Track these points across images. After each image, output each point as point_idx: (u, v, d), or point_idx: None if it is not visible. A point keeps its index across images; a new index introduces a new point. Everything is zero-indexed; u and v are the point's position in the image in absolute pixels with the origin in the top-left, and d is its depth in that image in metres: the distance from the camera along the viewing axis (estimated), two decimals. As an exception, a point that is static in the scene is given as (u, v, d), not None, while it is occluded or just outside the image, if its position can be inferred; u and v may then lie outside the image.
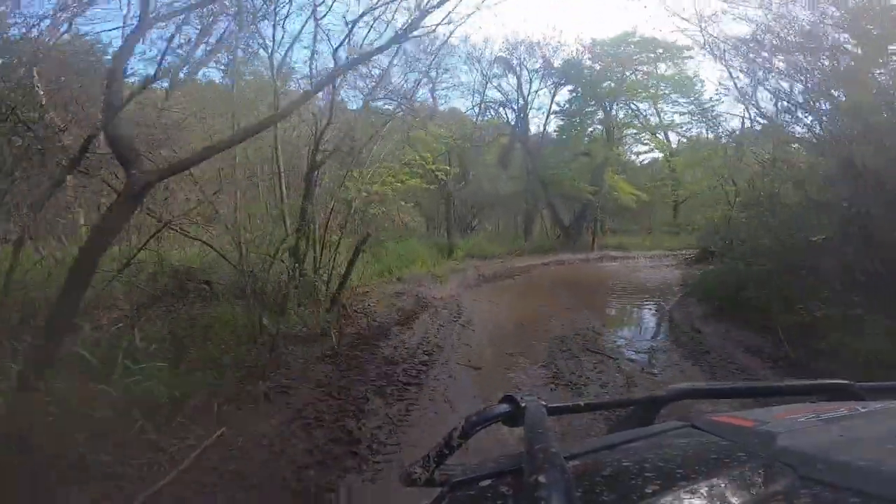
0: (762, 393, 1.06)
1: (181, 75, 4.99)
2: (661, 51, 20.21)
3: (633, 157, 26.29)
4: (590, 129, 22.54)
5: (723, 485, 0.54)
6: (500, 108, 21.37)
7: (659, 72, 21.25)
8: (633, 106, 23.08)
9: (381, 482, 2.88)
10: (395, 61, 7.78)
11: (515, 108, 20.93)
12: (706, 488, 0.53)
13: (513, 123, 21.22)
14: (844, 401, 0.84)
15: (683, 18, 9.11)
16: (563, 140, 21.98)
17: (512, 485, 0.59)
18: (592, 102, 21.85)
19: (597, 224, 19.23)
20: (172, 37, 4.38)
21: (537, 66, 20.17)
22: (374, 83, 7.55)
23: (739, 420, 0.73)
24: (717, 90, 16.15)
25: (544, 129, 21.73)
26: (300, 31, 7.06)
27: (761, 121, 9.77)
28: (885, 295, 4.48)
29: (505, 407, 0.66)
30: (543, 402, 0.67)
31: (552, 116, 22.10)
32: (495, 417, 0.66)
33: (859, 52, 6.34)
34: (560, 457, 0.50)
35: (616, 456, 0.67)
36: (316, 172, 6.99)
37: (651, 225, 24.99)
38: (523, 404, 0.65)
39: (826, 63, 6.56)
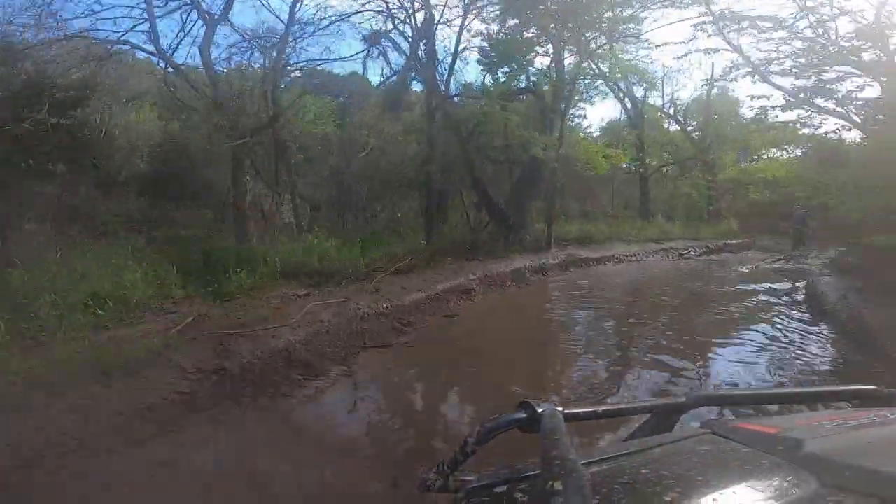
0: (786, 399, 1.10)
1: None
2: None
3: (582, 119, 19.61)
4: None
5: (745, 493, 0.52)
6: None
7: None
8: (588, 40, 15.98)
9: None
10: None
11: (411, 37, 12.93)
12: (728, 496, 0.52)
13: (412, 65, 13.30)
14: (872, 407, 0.83)
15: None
16: (495, 79, 14.35)
17: (527, 491, 0.58)
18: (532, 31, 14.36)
19: (552, 202, 11.77)
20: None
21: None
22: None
23: (762, 427, 0.72)
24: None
25: (451, 67, 13.83)
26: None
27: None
28: None
29: (521, 413, 0.64)
30: (560, 409, 0.65)
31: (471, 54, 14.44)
32: (511, 424, 0.64)
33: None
34: (577, 463, 0.48)
35: (634, 463, 0.65)
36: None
37: (616, 207, 18.38)
38: (540, 410, 0.63)
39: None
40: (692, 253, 13.58)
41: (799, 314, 6.34)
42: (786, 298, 7.59)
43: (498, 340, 5.18)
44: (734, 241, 16.20)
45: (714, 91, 22.06)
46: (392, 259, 7.85)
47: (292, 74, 10.21)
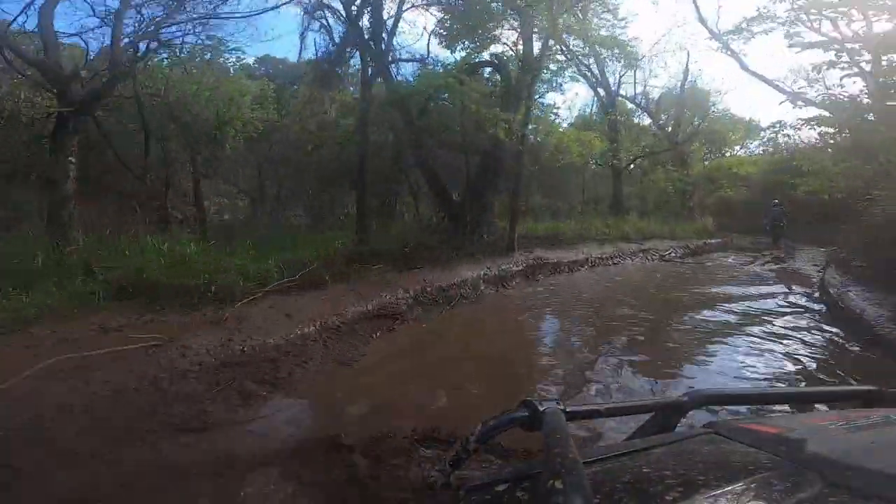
0: (788, 399, 1.06)
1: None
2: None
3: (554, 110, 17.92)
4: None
5: (747, 492, 0.52)
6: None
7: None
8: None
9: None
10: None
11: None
12: (730, 496, 0.51)
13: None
14: (875, 407, 0.83)
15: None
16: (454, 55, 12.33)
17: (529, 490, 0.58)
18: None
19: (517, 195, 9.79)
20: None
21: None
22: None
23: (765, 426, 0.72)
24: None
25: (393, 28, 11.72)
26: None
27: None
28: None
29: (523, 411, 0.64)
30: (562, 407, 0.64)
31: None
32: (513, 422, 0.64)
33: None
34: (578, 462, 0.48)
35: (636, 462, 0.65)
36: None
37: (587, 202, 16.78)
38: (542, 409, 0.63)
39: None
40: (673, 254, 12.04)
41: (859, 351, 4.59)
42: (808, 320, 5.93)
43: (408, 414, 3.04)
44: (713, 241, 14.86)
45: (682, 90, 21.15)
46: (298, 268, 5.66)
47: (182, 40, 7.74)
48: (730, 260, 12.12)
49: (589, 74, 18.23)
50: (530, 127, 10.49)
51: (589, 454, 0.65)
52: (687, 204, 18.46)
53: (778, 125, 24.79)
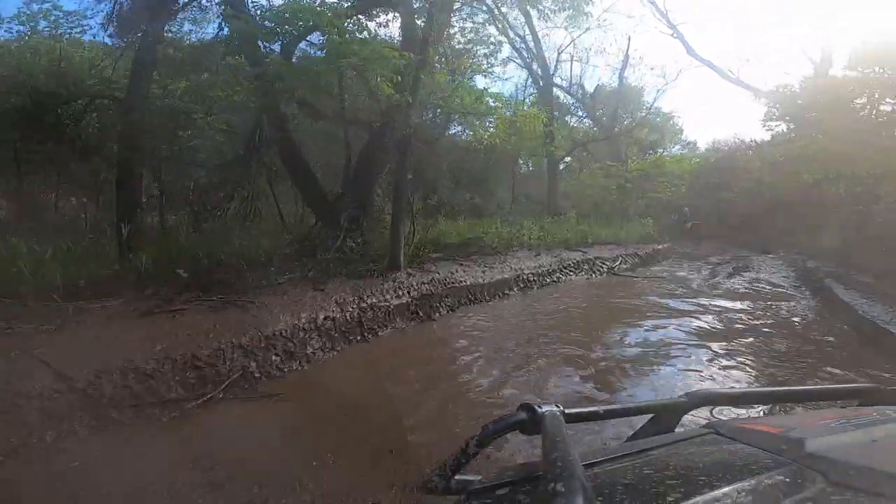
0: (789, 398, 1.04)
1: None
2: None
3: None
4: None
5: (749, 492, 0.52)
6: None
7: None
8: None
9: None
10: None
11: None
12: (731, 496, 0.51)
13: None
14: (875, 405, 0.81)
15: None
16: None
17: (530, 493, 0.57)
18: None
19: (402, 187, 6.35)
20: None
21: None
22: None
23: (766, 426, 0.72)
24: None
25: None
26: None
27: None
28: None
29: (522, 415, 0.62)
30: (561, 410, 0.63)
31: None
32: (512, 426, 0.62)
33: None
34: (578, 465, 0.47)
35: (637, 464, 0.64)
36: None
37: (516, 201, 14.04)
38: (541, 412, 0.62)
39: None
40: (624, 266, 9.46)
41: None
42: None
43: None
44: (660, 246, 12.67)
45: (621, 80, 19.38)
46: None
47: None
48: (687, 271, 9.76)
49: (524, 50, 15.69)
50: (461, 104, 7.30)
51: (589, 456, 0.65)
52: (629, 204, 16.46)
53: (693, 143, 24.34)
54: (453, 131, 14.97)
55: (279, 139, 7.45)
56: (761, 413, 1.29)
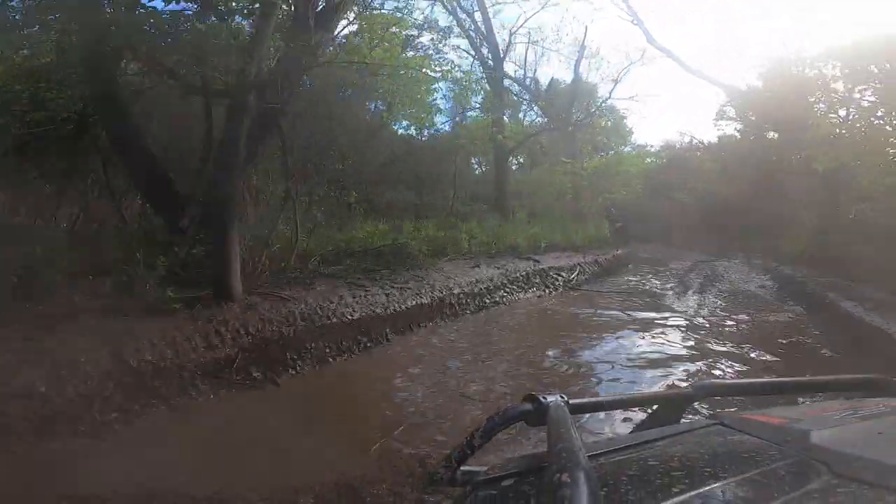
0: (794, 389, 0.98)
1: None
2: None
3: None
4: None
5: (754, 484, 0.52)
6: None
7: None
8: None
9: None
10: None
11: None
12: (736, 487, 0.51)
13: None
14: (882, 396, 0.81)
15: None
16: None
17: (535, 484, 0.56)
18: None
19: (222, 181, 4.21)
20: None
21: None
22: None
23: (771, 417, 0.71)
24: None
25: None
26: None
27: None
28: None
29: (527, 406, 0.64)
30: (566, 401, 0.64)
31: None
32: (518, 417, 0.64)
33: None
34: (583, 455, 0.47)
35: (642, 454, 0.64)
36: None
37: (453, 197, 12.19)
38: (546, 402, 0.63)
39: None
40: (582, 277, 7.75)
41: None
42: None
43: None
44: (620, 252, 11.21)
45: (576, 72, 18.12)
46: None
47: None
48: (655, 282, 8.24)
49: (472, 31, 13.94)
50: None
51: (594, 447, 0.64)
52: (586, 205, 15.09)
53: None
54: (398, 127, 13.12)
55: (106, 108, 5.16)
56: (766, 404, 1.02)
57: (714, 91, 16.20)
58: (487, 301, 5.61)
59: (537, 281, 6.71)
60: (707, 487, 0.50)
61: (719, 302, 6.51)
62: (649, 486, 0.53)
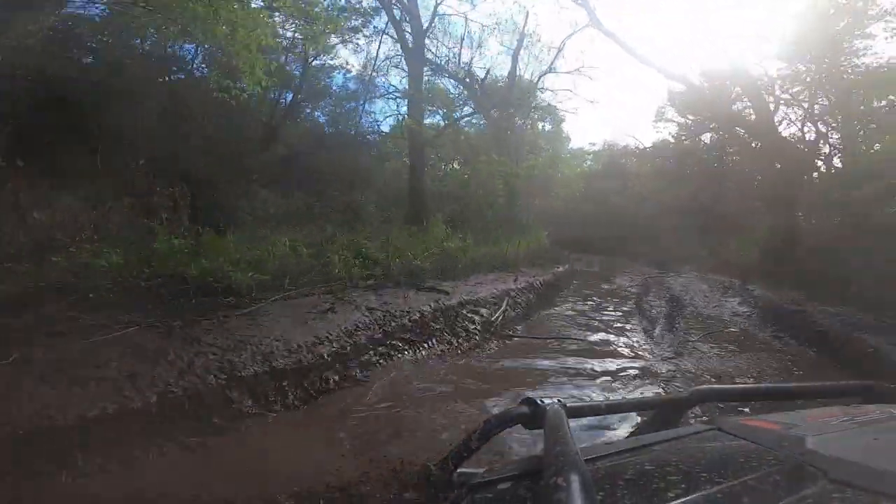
0: (791, 395, 1.00)
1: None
2: None
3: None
4: None
5: (750, 489, 0.51)
6: None
7: None
8: None
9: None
10: None
11: None
12: (732, 492, 0.51)
13: None
14: (878, 403, 0.81)
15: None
16: None
17: (531, 487, 0.56)
18: None
19: None
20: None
21: None
22: None
23: (767, 423, 0.72)
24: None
25: None
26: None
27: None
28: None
29: (524, 409, 0.64)
30: (563, 404, 0.64)
31: None
32: (515, 420, 0.64)
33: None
34: (580, 459, 0.48)
35: (638, 459, 0.63)
36: None
37: (346, 202, 9.64)
38: (543, 406, 0.63)
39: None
40: (511, 312, 5.37)
41: None
42: None
43: None
44: (561, 269, 9.12)
45: (515, 62, 16.16)
46: None
47: None
48: (610, 314, 6.11)
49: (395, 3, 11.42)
50: None
51: (591, 451, 0.64)
52: (521, 211, 13.07)
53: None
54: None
55: None
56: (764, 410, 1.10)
57: (658, 86, 15.07)
58: (335, 378, 3.05)
59: (439, 327, 4.24)
60: (703, 492, 0.50)
61: (706, 349, 4.43)
62: (646, 491, 0.53)
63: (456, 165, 15.35)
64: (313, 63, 11.48)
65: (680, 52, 18.30)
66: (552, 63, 14.65)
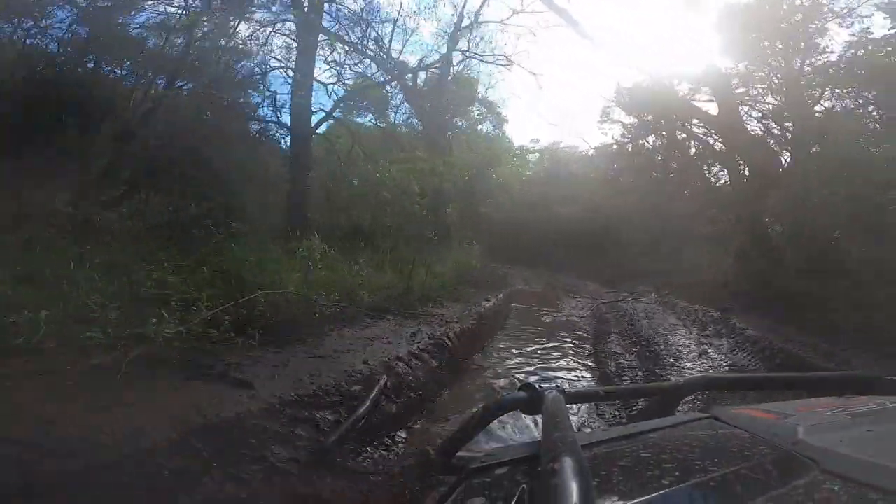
0: (786, 384, 1.01)
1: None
2: None
3: None
4: None
5: (742, 477, 0.52)
6: None
7: None
8: None
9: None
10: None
11: None
12: (725, 480, 0.52)
13: None
14: (873, 395, 0.81)
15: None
16: None
17: (528, 472, 0.57)
18: None
19: None
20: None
21: None
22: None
23: (762, 412, 0.72)
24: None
25: None
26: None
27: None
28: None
29: (523, 395, 0.65)
30: (562, 391, 0.65)
31: None
32: (513, 405, 0.65)
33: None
34: (577, 444, 0.48)
35: (634, 446, 0.65)
36: None
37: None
38: (542, 392, 0.64)
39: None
40: (389, 408, 2.96)
41: None
42: None
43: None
44: (492, 302, 6.82)
45: (450, 50, 13.97)
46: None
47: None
48: (567, 368, 3.92)
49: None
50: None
51: (588, 437, 0.64)
52: (450, 221, 10.82)
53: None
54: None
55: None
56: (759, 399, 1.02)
57: (608, 88, 13.57)
58: None
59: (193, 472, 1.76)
60: (697, 479, 0.51)
61: None
62: (641, 477, 0.54)
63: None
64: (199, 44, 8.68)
65: (637, 45, 17.13)
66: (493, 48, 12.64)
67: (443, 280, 6.31)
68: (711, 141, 11.78)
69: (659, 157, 15.39)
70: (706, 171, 13.56)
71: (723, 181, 12.34)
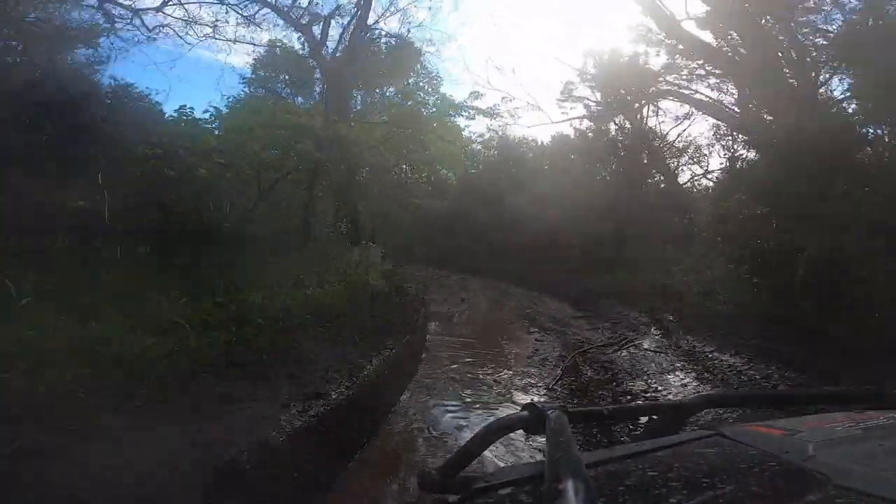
0: (795, 400, 0.99)
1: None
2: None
3: None
4: None
5: (752, 495, 0.51)
6: None
7: None
8: None
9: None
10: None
11: None
12: (734, 499, 0.50)
13: None
14: (881, 409, 0.78)
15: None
16: None
17: (532, 493, 0.55)
18: None
19: None
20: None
21: None
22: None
23: (770, 429, 0.71)
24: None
25: None
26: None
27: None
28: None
29: (526, 414, 0.62)
30: (565, 410, 0.62)
31: None
32: (516, 425, 0.63)
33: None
34: (581, 464, 0.46)
35: (640, 465, 0.62)
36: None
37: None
38: (545, 411, 0.61)
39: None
40: None
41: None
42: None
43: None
44: (382, 358, 3.92)
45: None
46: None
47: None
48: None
49: None
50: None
51: (593, 456, 0.64)
52: (357, 213, 7.84)
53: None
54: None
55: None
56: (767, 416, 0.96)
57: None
58: None
59: None
60: (705, 498, 0.50)
61: None
62: (647, 497, 0.53)
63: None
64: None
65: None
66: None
67: (278, 324, 3.33)
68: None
69: (623, 142, 13.00)
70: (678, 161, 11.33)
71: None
